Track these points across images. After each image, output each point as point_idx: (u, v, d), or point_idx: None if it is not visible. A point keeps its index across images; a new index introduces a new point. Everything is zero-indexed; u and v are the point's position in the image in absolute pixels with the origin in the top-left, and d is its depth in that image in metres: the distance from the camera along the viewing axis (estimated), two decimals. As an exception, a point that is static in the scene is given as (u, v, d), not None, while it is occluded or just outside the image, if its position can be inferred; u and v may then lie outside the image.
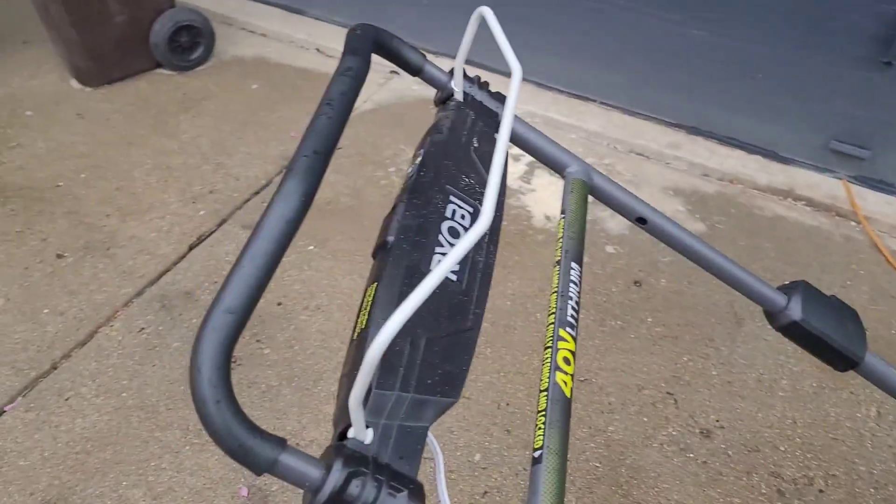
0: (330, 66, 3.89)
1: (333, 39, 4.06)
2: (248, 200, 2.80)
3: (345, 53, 0.77)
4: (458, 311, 0.70)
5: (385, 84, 3.64)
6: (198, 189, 2.84)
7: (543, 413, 0.75)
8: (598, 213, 2.77)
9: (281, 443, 0.52)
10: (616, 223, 2.76)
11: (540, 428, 0.74)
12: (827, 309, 1.13)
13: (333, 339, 2.24)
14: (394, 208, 0.75)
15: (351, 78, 0.73)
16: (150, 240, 2.56)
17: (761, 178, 3.10)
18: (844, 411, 2.17)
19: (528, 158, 3.00)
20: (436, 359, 0.65)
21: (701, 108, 3.29)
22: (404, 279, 0.68)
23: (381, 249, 0.72)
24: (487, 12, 0.77)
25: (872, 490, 1.97)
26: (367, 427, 0.58)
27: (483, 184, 0.81)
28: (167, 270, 2.45)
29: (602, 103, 3.55)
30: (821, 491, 1.97)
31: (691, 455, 2.02)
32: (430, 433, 0.64)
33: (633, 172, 3.17)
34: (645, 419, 2.10)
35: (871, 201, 2.99)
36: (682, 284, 2.55)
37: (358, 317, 0.68)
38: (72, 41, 3.25)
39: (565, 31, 3.43)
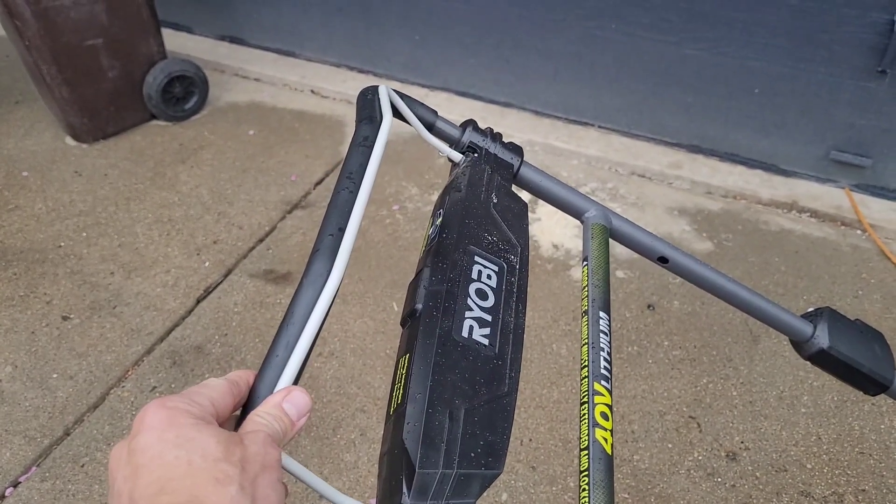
0: (325, 106, 3.90)
1: (327, 79, 4.07)
2: (252, 248, 2.79)
3: (359, 121, 0.76)
4: (494, 377, 0.68)
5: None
6: (201, 240, 2.82)
7: (586, 473, 0.73)
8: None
9: None
10: (624, 247, 2.74)
11: (584, 489, 0.72)
12: (853, 334, 1.12)
13: (349, 385, 2.21)
14: (418, 274, 0.73)
15: (368, 147, 0.72)
16: (157, 295, 2.54)
17: (764, 192, 3.10)
18: (868, 423, 2.14)
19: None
20: (476, 429, 0.63)
21: (700, 127, 3.30)
22: (437, 349, 0.66)
23: (410, 318, 0.70)
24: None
25: (906, 505, 1.94)
26: None
27: (505, 240, 0.80)
28: (176, 326, 2.43)
29: (601, 127, 3.56)
30: (851, 507, 1.95)
31: (719, 479, 1.98)
32: None
33: (637, 195, 3.16)
34: (670, 445, 2.07)
35: (874, 209, 2.99)
36: (696, 305, 2.53)
37: (392, 391, 0.66)
38: (65, 99, 3.26)
39: (560, 57, 3.44)
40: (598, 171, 3.34)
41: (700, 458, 2.04)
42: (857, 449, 2.07)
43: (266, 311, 2.48)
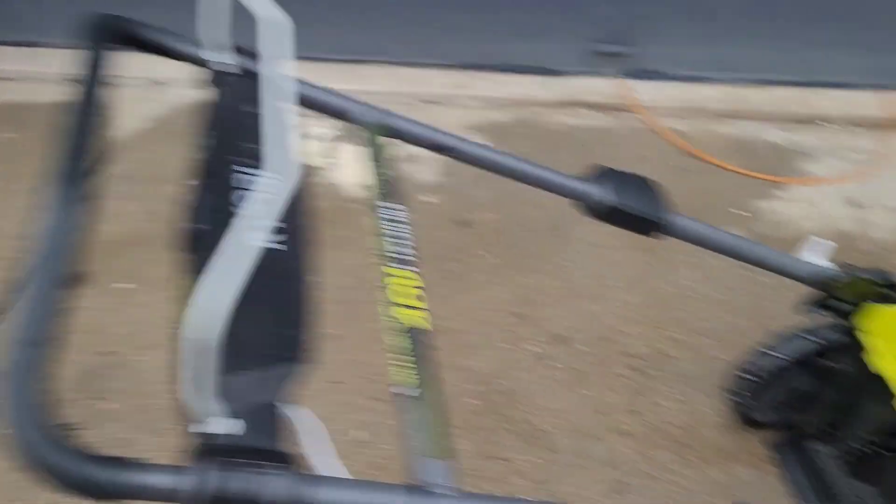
0: (89, 93, 3.60)
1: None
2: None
3: (83, 57, 0.71)
4: (286, 275, 0.67)
5: (154, 97, 3.39)
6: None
7: (410, 352, 0.75)
8: (408, 167, 2.76)
9: (132, 463, 0.47)
10: (429, 172, 2.77)
11: (408, 367, 0.74)
12: (626, 184, 1.22)
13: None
14: (187, 194, 0.71)
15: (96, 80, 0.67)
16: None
17: (545, 95, 3.24)
18: (670, 281, 2.37)
19: (328, 135, 2.94)
20: (275, 327, 0.62)
21: (476, 44, 3.37)
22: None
23: (187, 239, 0.67)
24: None
25: (716, 342, 2.18)
26: (226, 416, 0.54)
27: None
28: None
29: (383, 62, 3.54)
30: (670, 356, 2.16)
31: (554, 363, 2.12)
32: (307, 409, 0.61)
33: (430, 120, 3.18)
34: (505, 346, 2.17)
35: (643, 91, 3.22)
36: (502, 214, 2.63)
37: (181, 313, 0.63)
38: None
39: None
40: (388, 105, 3.32)
41: (535, 349, 2.16)
42: (664, 306, 2.29)
43: None
